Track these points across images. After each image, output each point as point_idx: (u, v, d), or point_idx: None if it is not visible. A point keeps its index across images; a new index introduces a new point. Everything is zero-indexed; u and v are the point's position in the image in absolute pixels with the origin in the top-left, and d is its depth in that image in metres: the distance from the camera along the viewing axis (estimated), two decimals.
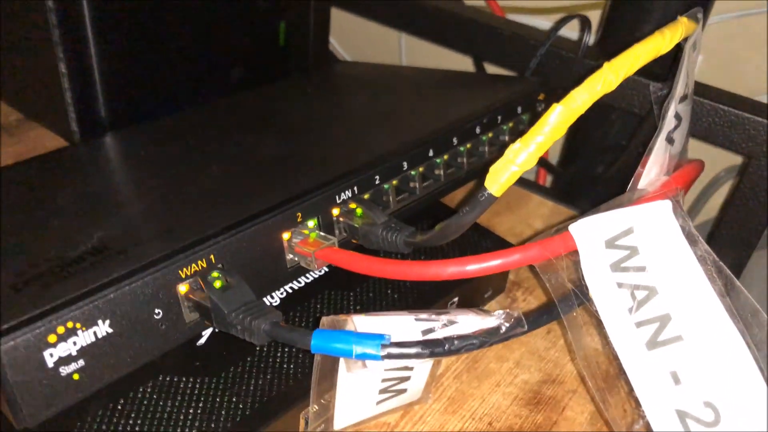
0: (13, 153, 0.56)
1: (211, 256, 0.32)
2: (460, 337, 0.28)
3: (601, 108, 0.59)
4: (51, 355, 0.27)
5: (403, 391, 0.35)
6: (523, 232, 0.55)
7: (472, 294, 0.44)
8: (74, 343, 0.28)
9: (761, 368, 0.29)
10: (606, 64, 0.30)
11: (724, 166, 0.74)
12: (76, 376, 0.28)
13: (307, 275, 0.41)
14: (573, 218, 0.32)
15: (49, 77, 0.51)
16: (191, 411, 0.32)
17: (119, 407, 0.32)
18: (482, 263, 0.31)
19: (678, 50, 0.36)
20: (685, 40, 0.35)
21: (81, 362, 0.28)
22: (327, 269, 0.41)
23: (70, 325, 0.27)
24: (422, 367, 0.35)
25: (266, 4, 0.61)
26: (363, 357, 0.27)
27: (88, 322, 0.28)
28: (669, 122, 0.35)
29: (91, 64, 0.50)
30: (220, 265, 0.32)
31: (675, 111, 0.36)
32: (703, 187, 0.77)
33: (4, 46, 0.56)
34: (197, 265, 0.31)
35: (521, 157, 0.30)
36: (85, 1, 0.47)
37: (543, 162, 0.71)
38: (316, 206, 0.36)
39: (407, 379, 0.35)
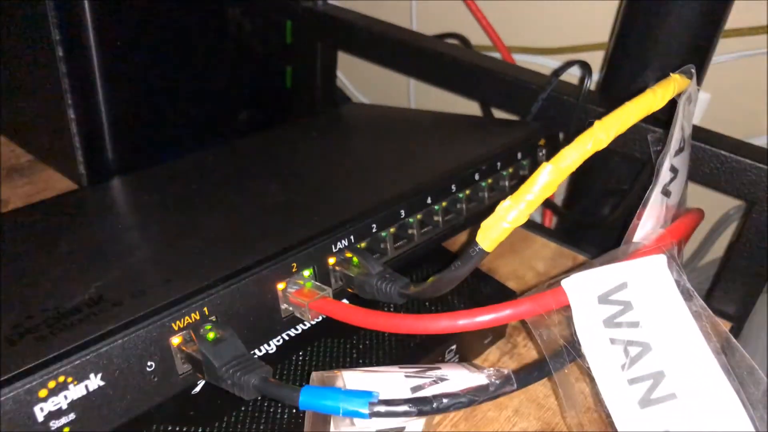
0: (23, 193, 0.58)
1: (205, 309, 0.32)
2: (448, 395, 0.28)
3: (602, 152, 0.59)
4: (41, 409, 0.27)
5: None
6: (526, 275, 0.55)
7: (471, 341, 0.43)
8: (65, 397, 0.28)
9: (756, 427, 0.28)
10: (597, 123, 0.31)
11: (734, 205, 0.74)
12: (66, 430, 0.28)
13: (305, 323, 0.41)
14: (566, 273, 0.32)
15: (58, 122, 0.52)
16: None
17: None
18: (473, 318, 0.31)
19: (674, 102, 0.36)
20: (680, 95, 0.36)
21: (72, 416, 0.28)
22: (324, 316, 0.41)
23: (61, 379, 0.28)
24: (416, 422, 0.34)
25: (273, 49, 0.63)
26: (350, 414, 0.27)
27: (80, 376, 0.28)
28: (664, 176, 0.36)
29: (99, 110, 0.51)
30: (213, 318, 0.32)
31: (670, 164, 0.36)
32: (711, 226, 0.76)
33: (16, 90, 0.57)
34: (190, 318, 0.32)
35: (511, 214, 0.30)
36: (95, 51, 0.48)
37: (548, 203, 0.71)
38: (312, 256, 0.37)
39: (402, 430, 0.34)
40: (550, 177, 0.29)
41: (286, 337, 0.40)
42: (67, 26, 0.47)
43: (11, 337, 0.30)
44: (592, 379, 0.31)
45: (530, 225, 0.61)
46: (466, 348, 0.43)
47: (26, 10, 0.50)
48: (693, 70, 0.36)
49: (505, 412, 0.41)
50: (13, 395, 0.27)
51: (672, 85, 0.34)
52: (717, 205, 0.75)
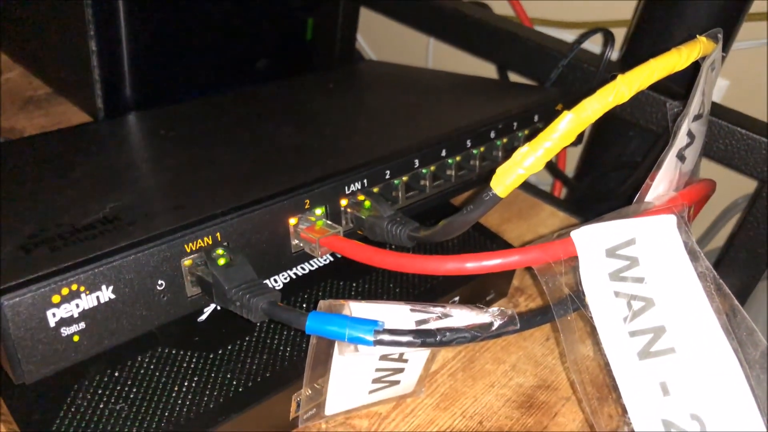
0: (38, 125, 0.58)
1: (218, 234, 0.33)
2: (452, 330, 0.28)
3: (619, 124, 0.59)
4: (54, 314, 0.28)
5: (396, 382, 0.36)
6: (532, 240, 0.55)
7: (473, 294, 0.44)
8: (77, 305, 0.28)
9: (752, 386, 0.29)
10: (620, 77, 0.31)
11: (743, 193, 0.74)
12: (76, 338, 0.29)
13: (312, 263, 0.41)
14: (576, 225, 0.32)
15: (79, 54, 0.52)
16: (185, 384, 0.33)
17: (116, 374, 0.33)
18: (481, 261, 0.31)
19: (696, 69, 0.36)
20: (704, 59, 0.35)
21: (82, 325, 0.29)
22: (332, 259, 0.42)
23: (74, 287, 0.28)
24: (416, 360, 0.35)
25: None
26: (355, 341, 0.28)
27: (92, 287, 0.29)
28: (681, 139, 0.36)
29: (121, 44, 0.51)
30: (225, 243, 0.33)
31: (688, 129, 0.36)
32: (720, 212, 0.76)
33: (37, 21, 0.57)
34: (203, 241, 0.32)
35: (528, 160, 0.30)
36: None
37: (558, 174, 0.71)
38: (325, 195, 0.37)
39: (401, 371, 0.35)
40: (569, 125, 0.29)
41: (294, 276, 0.40)
42: None
43: (26, 246, 0.30)
44: (594, 329, 0.31)
45: (540, 193, 0.61)
46: (468, 301, 0.43)
47: None
48: (720, 35, 0.36)
49: (503, 366, 0.42)
50: (27, 298, 0.27)
51: (698, 46, 0.34)
52: (724, 195, 0.75)
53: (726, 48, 0.60)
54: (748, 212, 0.49)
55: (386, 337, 0.28)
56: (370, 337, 0.27)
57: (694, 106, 0.36)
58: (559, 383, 0.41)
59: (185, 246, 0.32)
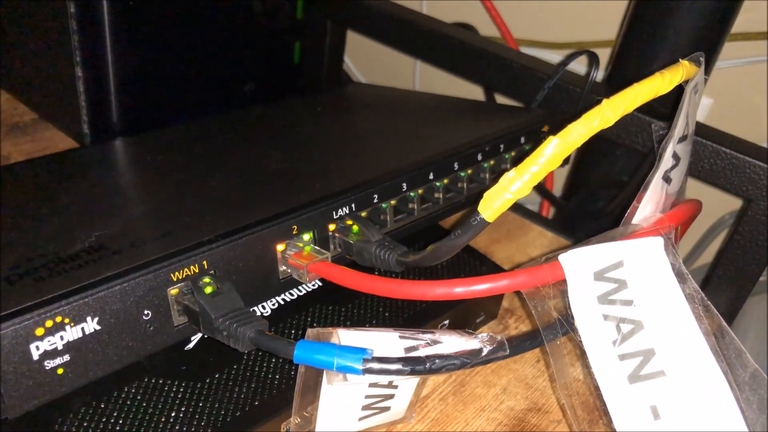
0: (25, 151, 0.58)
1: (204, 262, 0.32)
2: (442, 357, 0.28)
3: (605, 144, 0.59)
4: (37, 348, 0.27)
5: (387, 408, 0.35)
6: (521, 261, 0.55)
7: (463, 317, 0.44)
8: (61, 338, 0.28)
9: (741, 408, 0.29)
10: (605, 101, 0.31)
11: (729, 210, 0.74)
12: (60, 371, 0.28)
13: (300, 288, 0.41)
14: (564, 248, 0.32)
15: (65, 80, 0.52)
16: (173, 414, 0.32)
17: (102, 405, 0.32)
18: (470, 286, 0.31)
19: (680, 90, 0.37)
20: (687, 82, 0.36)
21: (66, 357, 0.28)
22: (320, 284, 0.42)
23: (58, 319, 0.28)
24: (407, 386, 0.35)
25: (283, 23, 0.63)
26: (344, 370, 0.27)
27: (77, 318, 0.28)
28: (666, 161, 0.36)
29: (107, 70, 0.51)
30: (212, 272, 0.33)
31: (673, 151, 0.36)
32: (706, 229, 0.77)
33: (23, 47, 0.57)
34: (189, 270, 0.32)
35: (515, 185, 0.30)
36: (106, 9, 0.48)
37: (546, 193, 0.72)
38: (313, 220, 0.37)
39: (391, 397, 0.35)
40: (555, 150, 0.30)
41: (282, 301, 0.40)
42: None
43: (10, 277, 0.30)
44: (583, 353, 0.31)
45: (528, 213, 0.62)
46: (458, 324, 0.43)
47: None
48: (702, 59, 0.36)
49: (494, 389, 0.42)
50: (9, 331, 0.27)
51: (680, 70, 0.34)
52: (711, 212, 0.75)
53: (708, 68, 0.60)
54: (735, 230, 0.49)
55: (375, 366, 0.27)
56: (359, 366, 0.27)
57: (679, 128, 0.36)
58: (550, 406, 0.41)
59: (172, 275, 0.31)
